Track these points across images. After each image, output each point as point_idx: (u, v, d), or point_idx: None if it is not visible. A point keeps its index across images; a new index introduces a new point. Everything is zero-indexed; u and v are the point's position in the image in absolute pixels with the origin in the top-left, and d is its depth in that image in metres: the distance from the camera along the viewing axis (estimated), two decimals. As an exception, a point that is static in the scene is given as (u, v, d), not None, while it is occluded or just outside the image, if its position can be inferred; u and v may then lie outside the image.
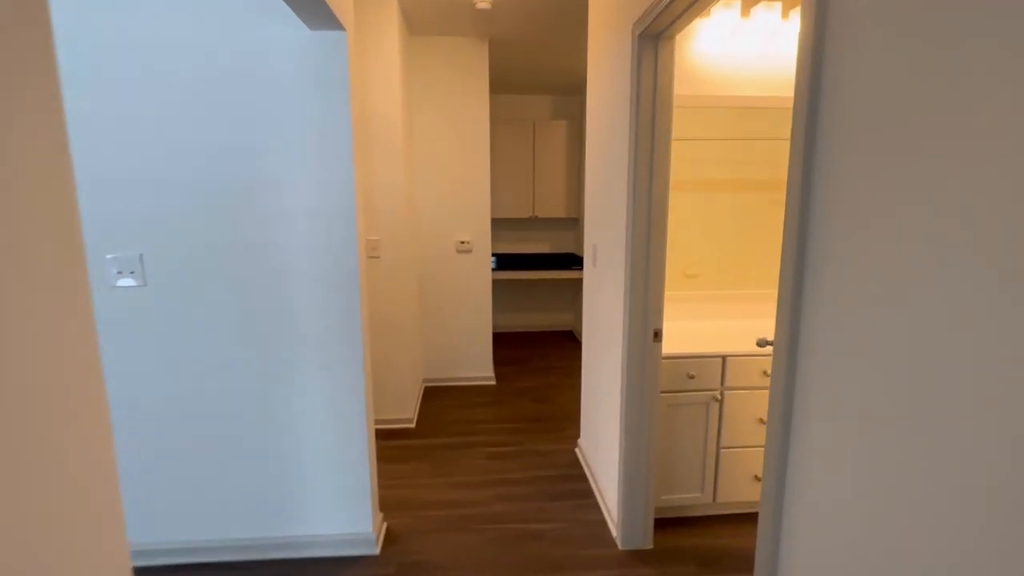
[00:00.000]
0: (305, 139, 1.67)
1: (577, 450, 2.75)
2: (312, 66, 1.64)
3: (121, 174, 1.64)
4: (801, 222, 0.92)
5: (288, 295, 1.75)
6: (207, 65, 1.61)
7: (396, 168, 2.85)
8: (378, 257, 2.88)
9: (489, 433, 2.98)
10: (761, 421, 2.02)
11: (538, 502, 2.29)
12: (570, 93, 4.99)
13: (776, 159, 2.38)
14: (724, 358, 1.98)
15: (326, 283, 1.75)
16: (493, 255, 5.14)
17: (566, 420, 3.15)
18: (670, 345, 1.98)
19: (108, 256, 1.67)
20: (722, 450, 2.04)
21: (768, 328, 2.35)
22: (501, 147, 4.81)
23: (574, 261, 4.98)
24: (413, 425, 3.09)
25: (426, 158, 3.45)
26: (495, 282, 5.18)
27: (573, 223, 5.31)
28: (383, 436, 2.92)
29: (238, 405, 1.80)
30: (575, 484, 2.44)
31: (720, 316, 2.41)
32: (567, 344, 4.94)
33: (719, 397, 2.00)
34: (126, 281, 1.69)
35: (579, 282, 5.14)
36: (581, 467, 2.59)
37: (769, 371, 2.01)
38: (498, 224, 5.26)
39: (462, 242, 3.58)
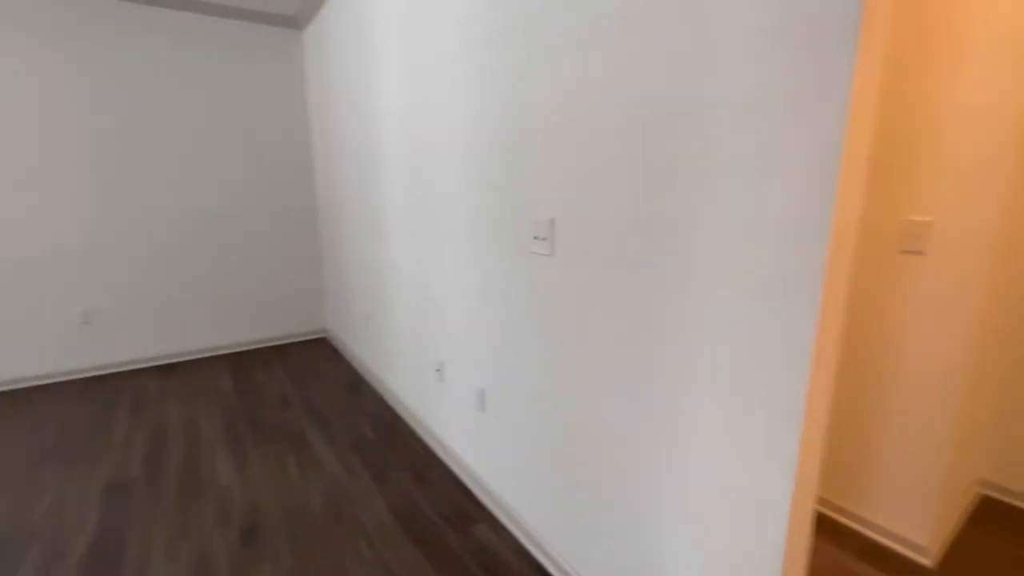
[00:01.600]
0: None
1: None
2: None
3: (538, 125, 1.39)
4: None
5: (690, 297, 1.04)
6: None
7: (1001, 83, 1.42)
8: (921, 253, 1.60)
9: None
10: None
11: None
12: None
13: None
14: None
15: (753, 288, 0.92)
16: None
17: None
18: None
19: (528, 219, 1.49)
20: None
21: None
22: None
23: None
24: (929, 562, 1.70)
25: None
26: None
27: None
28: (858, 551, 1.74)
29: (611, 427, 1.30)
30: None
31: None
32: None
33: None
34: (538, 248, 1.46)
35: None
36: None
37: None
38: None
39: None
